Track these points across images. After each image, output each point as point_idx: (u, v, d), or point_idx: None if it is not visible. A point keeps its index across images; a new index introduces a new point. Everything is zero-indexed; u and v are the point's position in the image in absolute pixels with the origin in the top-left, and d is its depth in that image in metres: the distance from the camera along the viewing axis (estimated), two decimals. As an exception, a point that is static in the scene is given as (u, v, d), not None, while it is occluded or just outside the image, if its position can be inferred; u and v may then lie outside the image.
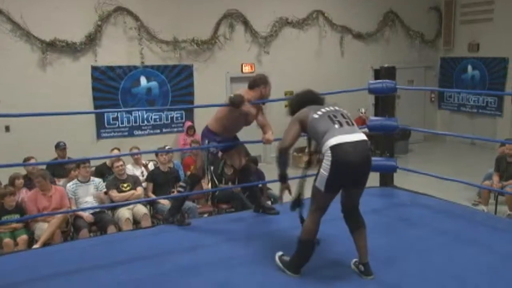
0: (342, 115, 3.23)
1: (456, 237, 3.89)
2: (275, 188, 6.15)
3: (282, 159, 3.39)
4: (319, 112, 3.23)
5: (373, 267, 3.27)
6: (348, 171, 3.04)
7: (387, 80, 5.12)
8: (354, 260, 3.32)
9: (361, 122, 10.59)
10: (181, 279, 3.30)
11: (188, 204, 6.32)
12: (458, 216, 4.47)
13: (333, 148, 3.02)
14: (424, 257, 3.52)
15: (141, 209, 6.40)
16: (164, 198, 6.36)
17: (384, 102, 5.38)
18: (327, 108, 3.28)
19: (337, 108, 3.31)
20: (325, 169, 3.04)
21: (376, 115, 5.78)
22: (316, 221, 3.20)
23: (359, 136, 3.11)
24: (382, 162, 5.30)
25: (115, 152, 7.31)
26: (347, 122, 3.17)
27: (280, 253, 3.43)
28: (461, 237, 3.89)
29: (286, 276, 3.27)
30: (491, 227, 4.17)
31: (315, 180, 3.15)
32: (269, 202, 5.93)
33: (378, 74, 5.54)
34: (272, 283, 3.23)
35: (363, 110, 11.15)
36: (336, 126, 3.11)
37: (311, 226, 3.20)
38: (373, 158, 5.37)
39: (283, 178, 3.50)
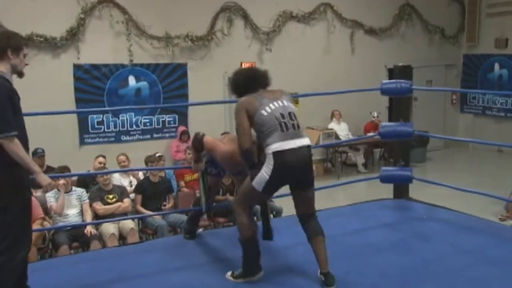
0: (289, 114, 3.45)
1: (480, 256, 3.89)
2: (277, 200, 6.15)
3: (249, 159, 3.51)
4: (268, 109, 3.42)
5: (385, 288, 3.27)
6: (289, 176, 3.39)
7: (402, 80, 5.14)
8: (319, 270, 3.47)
9: (373, 128, 10.62)
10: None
11: (182, 217, 6.33)
12: (482, 232, 4.47)
13: (275, 154, 3.32)
14: (443, 279, 3.52)
15: (128, 223, 6.41)
16: (155, 215, 6.37)
17: (399, 104, 5.40)
18: (276, 104, 3.45)
19: (285, 103, 3.50)
20: (266, 172, 3.34)
21: (390, 119, 5.79)
22: (249, 217, 3.52)
23: (302, 141, 3.42)
24: (396, 172, 5.31)
25: (100, 159, 7.33)
26: (293, 125, 3.42)
27: (229, 272, 3.59)
28: (485, 257, 3.88)
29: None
30: (520, 245, 4.16)
31: (251, 178, 3.41)
32: (271, 215, 5.94)
33: (392, 73, 5.57)
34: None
35: (375, 114, 11.18)
36: (281, 130, 3.37)
37: (246, 222, 3.48)
38: (386, 168, 5.51)
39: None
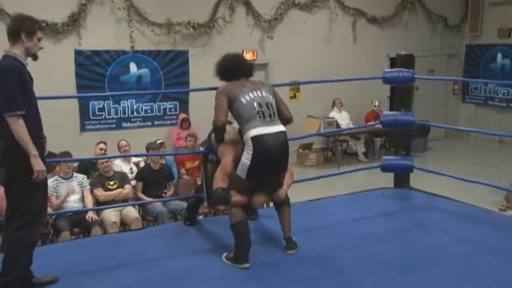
0: (267, 104, 3.67)
1: (479, 246, 3.90)
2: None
3: (220, 136, 3.85)
4: (247, 97, 3.67)
5: (384, 277, 3.29)
6: (268, 160, 3.59)
7: (404, 69, 5.13)
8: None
9: (374, 117, 10.62)
10: (171, 285, 3.34)
11: (182, 204, 6.35)
12: (481, 221, 4.48)
13: (254, 138, 3.55)
14: (442, 267, 3.54)
15: (131, 212, 6.42)
16: (156, 201, 6.40)
17: (401, 93, 5.40)
18: (255, 93, 3.70)
19: (264, 93, 3.73)
20: (246, 158, 3.57)
21: (391, 108, 5.79)
22: (243, 200, 3.68)
23: (278, 127, 3.66)
24: (397, 161, 5.32)
25: (101, 146, 7.35)
26: (269, 114, 3.65)
27: (225, 253, 3.70)
28: (485, 246, 3.90)
29: (282, 285, 3.30)
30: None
31: (235, 168, 3.63)
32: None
33: (394, 62, 5.55)
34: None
35: (376, 103, 11.16)
36: (259, 117, 3.61)
37: (234, 209, 3.63)
38: (387, 157, 5.51)
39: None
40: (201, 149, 7.93)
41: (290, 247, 3.75)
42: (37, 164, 3.09)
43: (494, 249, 3.83)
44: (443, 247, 3.88)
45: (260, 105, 3.65)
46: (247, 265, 3.55)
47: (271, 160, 3.61)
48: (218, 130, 3.80)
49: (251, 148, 3.55)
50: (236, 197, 3.63)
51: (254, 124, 3.59)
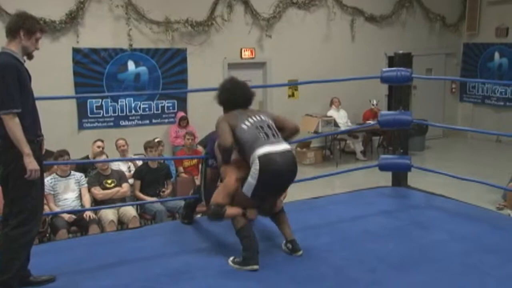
0: (268, 126, 3.70)
1: (477, 244, 3.91)
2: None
3: (228, 157, 3.77)
4: (247, 123, 3.69)
5: (382, 275, 3.30)
6: (275, 179, 3.56)
7: (402, 68, 5.14)
8: (283, 241, 3.78)
9: (372, 115, 10.63)
10: (170, 285, 3.34)
11: (180, 203, 6.34)
12: (479, 220, 4.49)
13: (261, 157, 3.51)
14: (440, 265, 3.55)
15: (129, 211, 6.40)
16: (154, 202, 6.39)
17: (398, 92, 5.40)
18: (254, 118, 3.72)
19: (262, 117, 3.76)
20: (253, 177, 3.53)
21: (389, 107, 5.80)
22: (238, 212, 3.65)
23: (285, 146, 3.64)
24: (395, 160, 5.33)
25: (98, 144, 7.34)
26: (272, 134, 3.66)
27: (231, 257, 3.66)
28: (482, 244, 3.91)
29: (281, 283, 3.31)
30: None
31: (241, 186, 3.62)
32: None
33: (393, 61, 5.56)
34: (266, 286, 3.28)
35: (374, 102, 11.17)
36: (263, 138, 3.60)
37: (236, 215, 3.63)
38: (385, 156, 5.52)
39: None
40: (199, 147, 7.97)
41: (297, 248, 3.72)
42: (30, 163, 3.06)
43: (492, 247, 3.84)
44: (441, 245, 3.89)
45: (261, 127, 3.67)
46: (256, 266, 3.50)
47: (278, 179, 3.59)
48: (226, 151, 3.72)
49: (258, 167, 3.50)
50: (230, 211, 3.61)
51: (260, 144, 3.57)
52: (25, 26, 3.16)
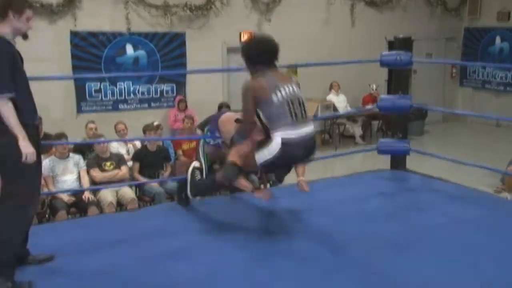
0: (299, 102, 3.53)
1: (473, 226, 3.92)
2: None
3: (247, 131, 3.67)
4: (279, 94, 3.46)
5: (379, 256, 3.32)
6: (291, 160, 3.65)
7: (402, 52, 5.12)
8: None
9: (372, 100, 10.63)
10: (169, 263, 3.36)
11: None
12: (477, 203, 4.51)
13: (284, 141, 3.43)
14: (436, 245, 3.57)
15: (128, 193, 6.44)
16: (153, 182, 6.42)
17: (398, 77, 5.39)
18: (287, 89, 3.51)
19: (296, 89, 3.57)
20: (270, 153, 3.47)
21: (389, 91, 5.80)
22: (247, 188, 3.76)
23: (309, 128, 3.57)
24: (393, 143, 5.34)
25: (90, 126, 7.37)
26: (301, 113, 3.53)
27: (197, 164, 3.95)
28: (479, 226, 3.92)
29: (278, 263, 3.33)
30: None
31: (256, 150, 3.54)
32: (268, 185, 6.02)
33: (393, 46, 5.54)
34: (263, 266, 3.30)
35: (374, 87, 11.17)
36: (291, 118, 3.46)
37: (244, 189, 3.76)
38: (383, 140, 5.53)
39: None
40: (198, 131, 7.96)
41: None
42: (26, 147, 3.02)
43: (488, 228, 3.86)
44: (438, 227, 3.91)
45: (292, 102, 3.49)
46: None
47: (294, 160, 3.68)
48: (247, 127, 3.65)
49: (279, 148, 3.44)
50: (242, 182, 3.68)
51: (286, 124, 3.44)
52: (13, 6, 3.08)
